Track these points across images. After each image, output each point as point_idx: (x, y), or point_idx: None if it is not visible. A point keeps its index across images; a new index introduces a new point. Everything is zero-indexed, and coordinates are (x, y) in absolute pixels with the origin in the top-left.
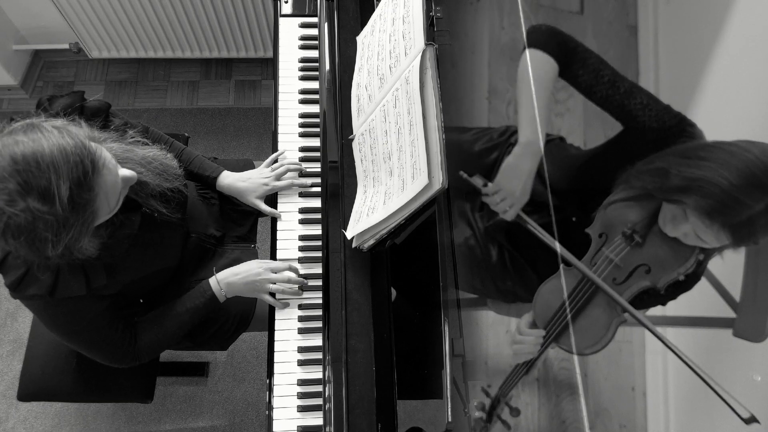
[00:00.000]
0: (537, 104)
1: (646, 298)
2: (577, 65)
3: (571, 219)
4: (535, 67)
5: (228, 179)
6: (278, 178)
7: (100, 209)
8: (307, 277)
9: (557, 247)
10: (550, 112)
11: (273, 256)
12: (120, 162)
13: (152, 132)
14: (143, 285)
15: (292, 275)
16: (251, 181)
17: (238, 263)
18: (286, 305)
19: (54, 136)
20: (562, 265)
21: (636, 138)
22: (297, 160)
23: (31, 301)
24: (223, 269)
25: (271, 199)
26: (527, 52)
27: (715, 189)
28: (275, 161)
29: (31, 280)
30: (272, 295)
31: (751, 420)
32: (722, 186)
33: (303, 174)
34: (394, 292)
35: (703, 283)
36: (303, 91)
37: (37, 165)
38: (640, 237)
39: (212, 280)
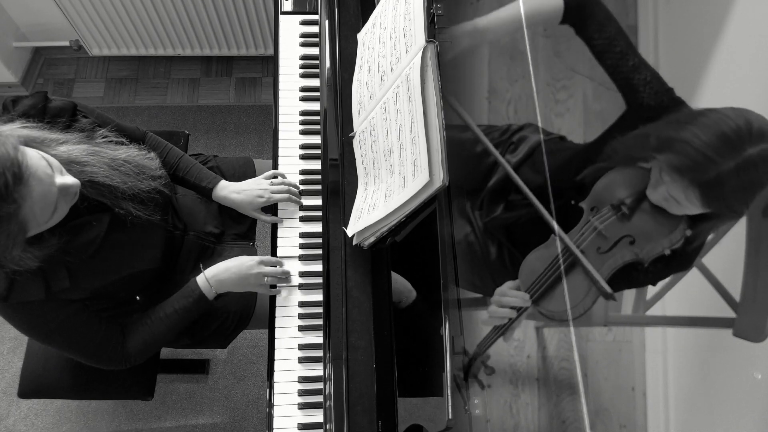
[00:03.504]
0: (512, 13)
1: (635, 275)
2: (593, 29)
3: (570, 203)
4: None
5: (224, 191)
6: (275, 191)
7: (29, 221)
8: (307, 274)
9: (539, 205)
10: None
11: (273, 254)
12: (80, 165)
13: (151, 138)
14: (123, 287)
15: (285, 268)
16: (246, 193)
17: None
18: (279, 292)
19: None
20: (552, 234)
21: (637, 117)
22: (297, 183)
23: None
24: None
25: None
26: None
27: (685, 146)
28: (274, 177)
29: None
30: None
31: (609, 296)
32: (692, 143)
33: (301, 194)
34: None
35: (703, 283)
36: (303, 89)
37: None
38: (628, 209)
39: (200, 278)
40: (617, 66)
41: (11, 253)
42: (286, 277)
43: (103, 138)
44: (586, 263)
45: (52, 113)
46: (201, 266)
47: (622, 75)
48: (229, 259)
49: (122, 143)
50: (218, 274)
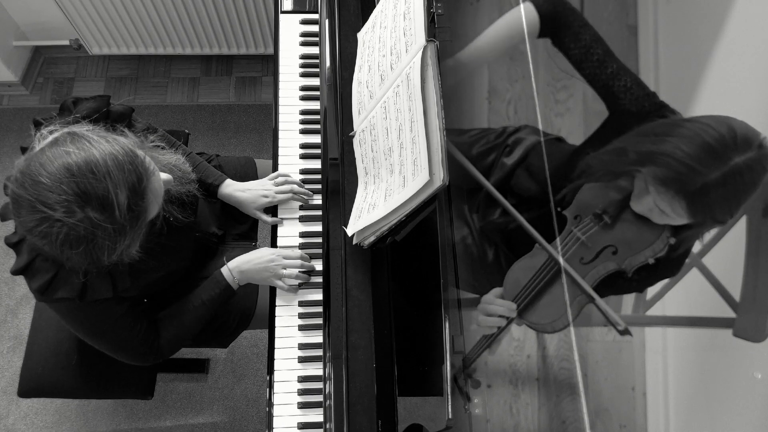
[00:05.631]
0: (491, 38)
1: (620, 283)
2: (569, 38)
3: (557, 209)
4: (514, 13)
5: (228, 188)
6: (279, 192)
7: (150, 215)
8: (307, 274)
9: (522, 220)
10: (504, 56)
11: None
12: None
13: (159, 134)
14: (158, 286)
15: (304, 260)
16: (251, 192)
17: None
18: (296, 290)
19: (103, 144)
20: (536, 245)
21: (619, 125)
22: (299, 181)
23: (59, 304)
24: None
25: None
26: (521, 3)
27: (668, 159)
28: (278, 177)
29: (59, 283)
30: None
31: (625, 332)
32: (675, 156)
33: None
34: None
35: (703, 283)
36: (304, 88)
37: (93, 174)
38: (610, 218)
39: (224, 270)
40: (596, 74)
41: (134, 247)
42: (306, 271)
43: (151, 143)
44: (575, 274)
45: (114, 117)
46: (225, 259)
47: (601, 82)
48: (251, 252)
49: (165, 149)
50: (240, 265)
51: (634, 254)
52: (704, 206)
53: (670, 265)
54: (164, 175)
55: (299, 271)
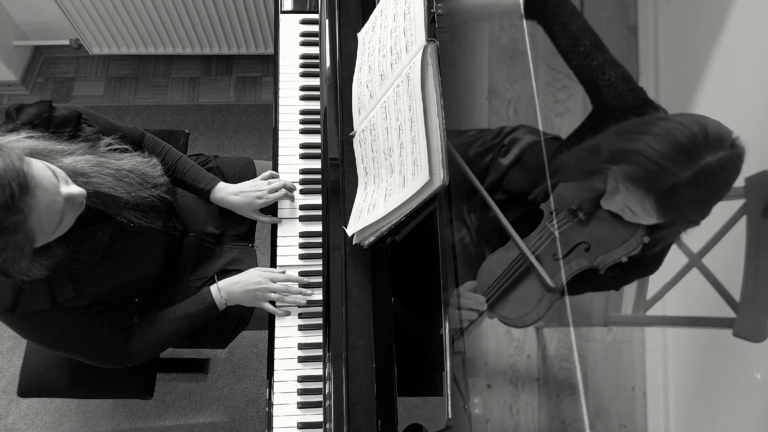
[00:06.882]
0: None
1: (596, 280)
2: (557, 27)
3: (536, 204)
4: None
5: (221, 192)
6: (272, 191)
7: (36, 232)
8: (307, 274)
9: (497, 211)
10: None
11: (273, 254)
12: (86, 176)
13: (149, 139)
14: (126, 293)
15: (293, 285)
16: (244, 194)
17: (237, 262)
18: (287, 314)
19: None
20: (511, 239)
21: (600, 120)
22: (295, 181)
23: None
24: (221, 268)
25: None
26: None
27: (639, 157)
28: (271, 177)
29: None
30: (272, 303)
31: (552, 290)
32: (646, 153)
33: (301, 193)
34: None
35: (703, 283)
36: (304, 88)
37: None
38: (584, 214)
39: (213, 288)
40: (581, 66)
41: (20, 264)
42: (294, 295)
43: (107, 146)
44: (538, 266)
45: (57, 123)
46: (215, 277)
47: (587, 75)
48: (241, 273)
49: (126, 150)
50: (229, 286)
51: (606, 252)
52: (675, 206)
53: (645, 265)
54: (73, 189)
55: (291, 296)
